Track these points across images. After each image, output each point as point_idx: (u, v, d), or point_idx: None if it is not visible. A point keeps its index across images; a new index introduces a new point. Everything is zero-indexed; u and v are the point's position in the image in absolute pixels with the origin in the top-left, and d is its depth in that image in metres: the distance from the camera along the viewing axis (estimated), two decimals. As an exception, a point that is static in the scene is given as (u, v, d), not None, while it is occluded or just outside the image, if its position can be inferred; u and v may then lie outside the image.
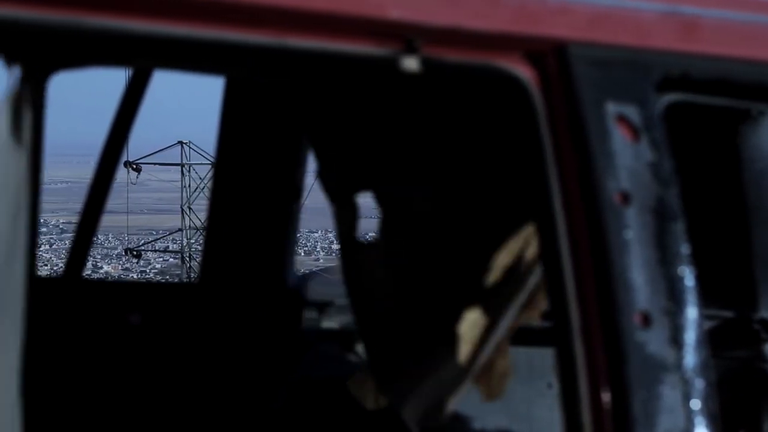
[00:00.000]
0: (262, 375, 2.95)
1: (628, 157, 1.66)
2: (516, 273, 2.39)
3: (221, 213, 3.27)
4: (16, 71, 1.52)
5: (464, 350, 2.41)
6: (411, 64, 1.61)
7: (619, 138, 1.67)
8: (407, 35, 1.59)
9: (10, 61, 1.52)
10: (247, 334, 3.08)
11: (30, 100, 1.55)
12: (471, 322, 2.40)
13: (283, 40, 1.53)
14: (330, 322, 3.12)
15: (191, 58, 1.83)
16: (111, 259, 49.49)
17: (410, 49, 1.60)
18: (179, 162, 30.94)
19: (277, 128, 3.15)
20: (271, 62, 1.82)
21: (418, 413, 2.44)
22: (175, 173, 32.05)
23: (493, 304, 2.41)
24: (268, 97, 3.10)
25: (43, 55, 1.72)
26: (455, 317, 2.41)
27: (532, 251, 2.38)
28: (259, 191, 3.21)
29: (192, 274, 29.18)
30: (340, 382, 2.73)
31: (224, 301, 3.15)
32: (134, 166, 28.17)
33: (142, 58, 2.28)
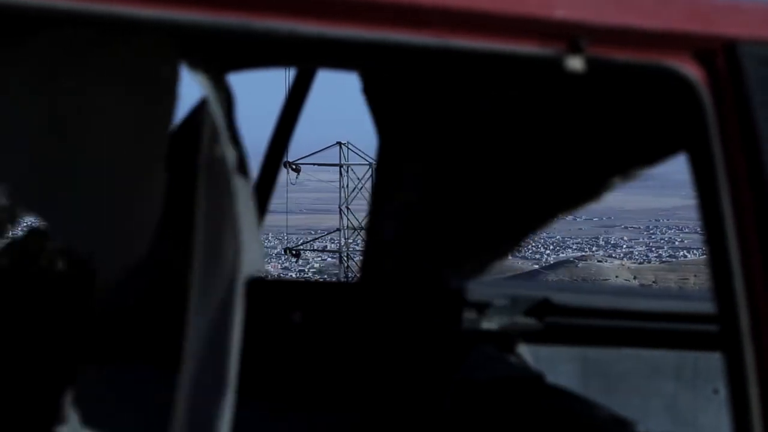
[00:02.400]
0: (424, 377, 2.96)
1: (800, 158, 1.62)
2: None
3: (381, 213, 3.29)
4: (199, 75, 1.56)
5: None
6: (576, 64, 1.59)
7: (792, 138, 1.63)
8: (572, 35, 1.58)
9: (192, 65, 1.56)
10: (407, 335, 3.09)
11: (220, 103, 1.59)
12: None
13: (447, 40, 1.53)
14: (489, 323, 3.11)
15: (356, 58, 1.85)
16: (271, 258, 50.36)
17: (575, 49, 1.59)
18: (338, 162, 31.28)
19: (437, 128, 3.15)
20: (434, 63, 1.83)
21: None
22: (333, 173, 32.43)
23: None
24: (429, 98, 3.10)
25: (217, 57, 1.76)
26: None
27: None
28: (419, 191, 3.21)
29: (350, 274, 29.45)
30: (501, 385, 2.72)
31: (385, 302, 3.17)
32: (294, 167, 28.58)
33: (308, 59, 2.31)
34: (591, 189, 2.52)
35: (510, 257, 3.17)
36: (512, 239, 2.82)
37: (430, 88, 2.79)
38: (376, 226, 3.31)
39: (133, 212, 1.83)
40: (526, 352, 3.05)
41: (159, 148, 1.62)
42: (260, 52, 2.06)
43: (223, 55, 1.91)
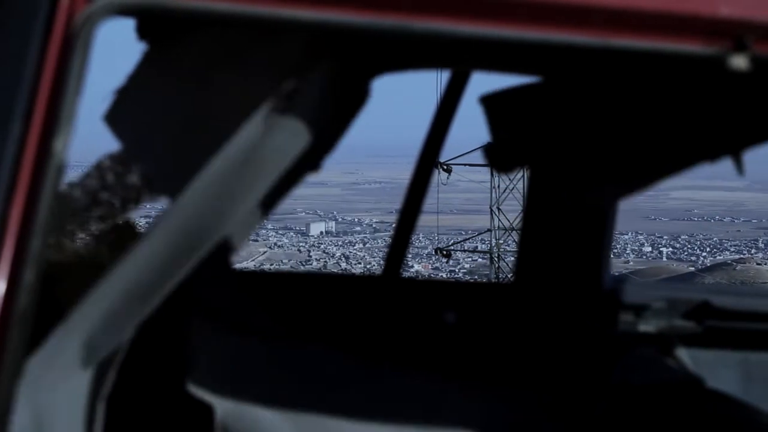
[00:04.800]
0: (578, 379, 2.93)
1: None
2: None
3: (536, 214, 3.27)
4: (346, 73, 1.57)
5: None
6: (740, 62, 1.56)
7: None
8: (737, 32, 1.54)
9: (341, 64, 1.57)
10: (562, 337, 3.06)
11: (353, 102, 1.60)
12: None
13: (609, 40, 1.51)
14: (647, 326, 3.06)
15: (514, 59, 1.84)
16: (421, 258, 50.53)
17: (740, 47, 1.55)
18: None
19: (594, 130, 3.12)
20: (593, 63, 1.81)
21: None
22: (484, 174, 32.36)
23: None
24: (587, 99, 3.07)
25: (370, 57, 1.77)
26: None
27: None
28: (576, 192, 3.19)
29: (500, 275, 29.34)
30: (659, 389, 2.68)
31: (540, 303, 3.15)
32: (445, 167, 28.61)
33: (465, 61, 2.31)
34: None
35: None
36: None
37: (590, 87, 2.76)
38: (529, 227, 3.29)
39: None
40: (684, 355, 3.00)
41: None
42: (415, 54, 2.07)
43: (375, 57, 1.92)
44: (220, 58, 1.88)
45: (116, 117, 1.92)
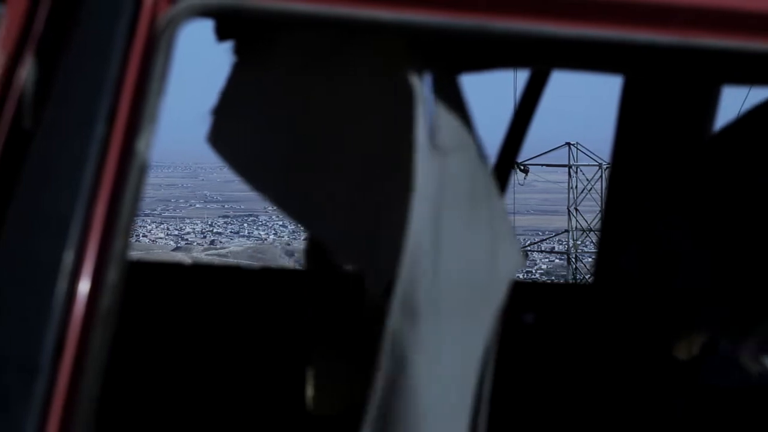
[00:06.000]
0: (660, 381, 2.90)
1: None
2: None
3: (616, 215, 3.25)
4: (429, 76, 1.57)
5: None
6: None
7: None
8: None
9: (423, 66, 1.57)
10: (641, 338, 3.04)
11: (447, 104, 1.59)
12: None
13: (691, 39, 1.49)
14: (729, 328, 3.02)
15: (595, 59, 1.83)
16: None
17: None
18: (566, 163, 31.03)
19: (678, 131, 3.09)
20: (677, 62, 1.79)
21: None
22: (561, 174, 32.19)
23: None
24: (670, 99, 3.04)
25: (449, 59, 1.77)
26: None
27: None
28: (656, 194, 3.16)
29: (578, 276, 29.16)
30: (743, 393, 2.64)
31: (620, 304, 3.13)
32: (522, 168, 28.52)
33: (545, 60, 2.29)
34: None
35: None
36: None
37: (671, 88, 2.73)
38: (609, 228, 3.26)
39: (380, 211, 1.84)
40: (768, 359, 2.96)
41: (401, 150, 1.63)
42: (495, 53, 2.06)
43: (455, 57, 1.91)
44: (312, 61, 1.87)
45: (219, 139, 1.88)
